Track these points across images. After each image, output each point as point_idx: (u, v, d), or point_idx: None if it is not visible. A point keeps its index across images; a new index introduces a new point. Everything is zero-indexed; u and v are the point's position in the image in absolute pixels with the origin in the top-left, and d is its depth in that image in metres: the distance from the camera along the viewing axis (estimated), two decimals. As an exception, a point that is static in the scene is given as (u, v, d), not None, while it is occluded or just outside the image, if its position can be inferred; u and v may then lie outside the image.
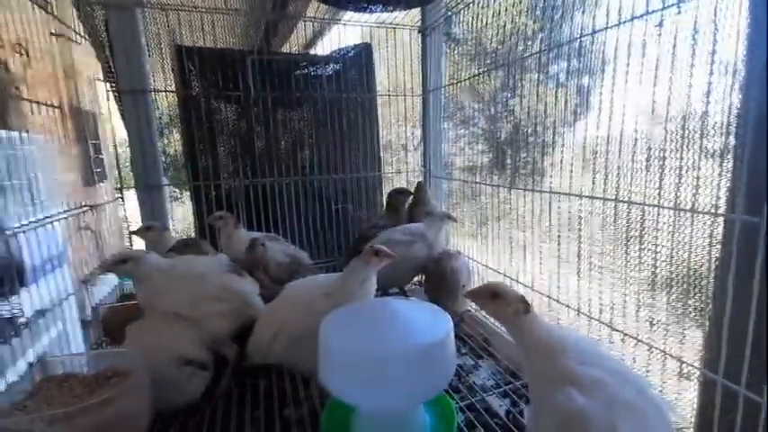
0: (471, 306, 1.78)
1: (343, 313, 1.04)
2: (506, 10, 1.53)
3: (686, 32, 0.83)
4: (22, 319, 1.25)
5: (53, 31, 1.22)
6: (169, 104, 1.86)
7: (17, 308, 1.29)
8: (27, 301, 1.26)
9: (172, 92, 1.78)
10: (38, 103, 1.17)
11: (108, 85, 1.58)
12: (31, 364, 1.01)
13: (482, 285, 0.90)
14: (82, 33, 1.47)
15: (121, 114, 1.64)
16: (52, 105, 1.23)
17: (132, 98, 1.63)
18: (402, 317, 0.99)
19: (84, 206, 1.34)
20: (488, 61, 1.65)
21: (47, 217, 1.19)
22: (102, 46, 1.55)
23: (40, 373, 0.97)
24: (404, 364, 0.89)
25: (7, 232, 1.15)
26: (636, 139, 1.02)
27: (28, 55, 1.14)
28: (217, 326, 1.27)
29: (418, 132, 2.26)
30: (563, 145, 1.33)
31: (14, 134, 1.26)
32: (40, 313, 1.29)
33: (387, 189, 2.23)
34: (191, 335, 1.18)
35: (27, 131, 1.28)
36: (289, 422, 1.16)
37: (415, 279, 1.98)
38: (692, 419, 1.03)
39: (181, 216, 2.02)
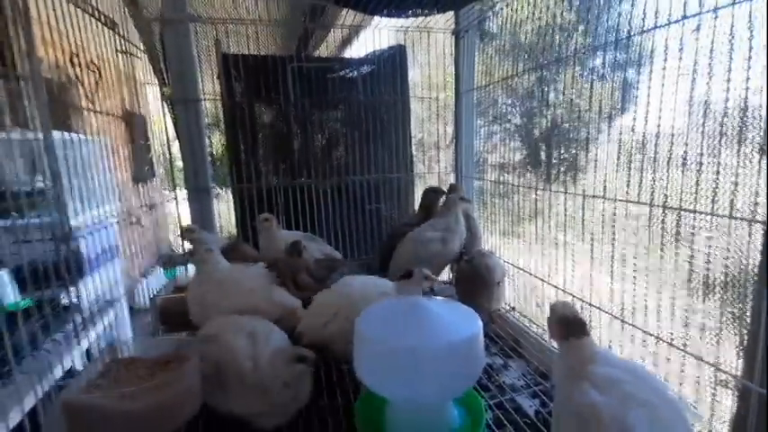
0: (503, 305, 1.80)
1: (378, 309, 1.10)
2: (542, 1, 1.50)
3: (723, 37, 0.82)
4: (83, 306, 1.40)
5: (119, 49, 1.35)
6: (213, 107, 1.99)
7: (77, 296, 1.44)
8: (85, 290, 1.41)
9: (220, 100, 1.90)
10: (106, 113, 1.30)
11: (162, 93, 1.72)
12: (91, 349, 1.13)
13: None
14: (141, 48, 1.61)
15: (174, 122, 1.78)
16: (116, 115, 1.36)
17: (184, 107, 1.76)
18: (433, 314, 1.03)
19: (142, 206, 1.47)
20: (525, 56, 1.63)
21: (110, 218, 1.32)
22: (157, 58, 1.68)
23: (108, 356, 1.10)
24: (434, 359, 0.94)
25: (78, 234, 1.29)
26: (672, 138, 1.01)
27: (100, 74, 1.27)
28: None
29: (450, 129, 2.28)
30: (596, 145, 1.32)
31: (77, 136, 1.40)
32: (96, 301, 1.44)
33: (419, 188, 2.27)
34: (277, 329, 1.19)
35: (90, 134, 1.42)
36: (324, 411, 1.23)
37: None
38: (728, 428, 1.01)
39: (224, 213, 2.14)
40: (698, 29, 0.87)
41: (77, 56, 1.15)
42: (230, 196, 2.02)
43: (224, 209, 2.11)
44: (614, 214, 1.23)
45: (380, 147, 2.16)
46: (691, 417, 0.70)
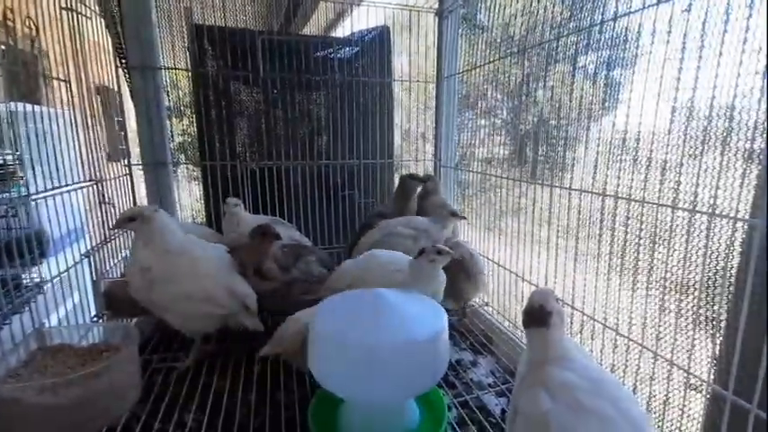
0: (475, 300, 1.75)
1: (336, 302, 1.03)
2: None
3: (716, 18, 0.75)
4: (45, 288, 1.28)
5: (63, 5, 1.22)
6: (189, 84, 1.86)
7: (39, 277, 1.33)
8: (49, 270, 1.28)
9: (181, 69, 1.78)
10: (45, 76, 1.17)
11: (118, 60, 1.58)
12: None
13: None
14: (96, 9, 1.47)
15: (130, 91, 1.65)
16: (61, 80, 1.23)
17: (141, 74, 1.63)
18: (395, 310, 0.97)
19: (90, 180, 1.35)
20: (515, 50, 1.57)
21: (55, 187, 1.20)
22: (113, 21, 1.55)
23: (35, 343, 0.99)
24: (393, 358, 0.87)
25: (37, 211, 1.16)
26: (653, 136, 0.95)
27: (38, 30, 1.14)
28: (202, 325, 1.27)
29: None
30: (582, 143, 1.26)
31: (42, 109, 1.28)
32: (60, 283, 1.31)
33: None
34: None
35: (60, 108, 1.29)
36: (279, 405, 1.16)
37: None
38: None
39: (198, 195, 2.01)
40: (689, 9, 0.81)
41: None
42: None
43: (196, 191, 1.99)
44: (590, 209, 1.17)
45: (360, 131, 2.06)
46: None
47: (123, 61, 1.60)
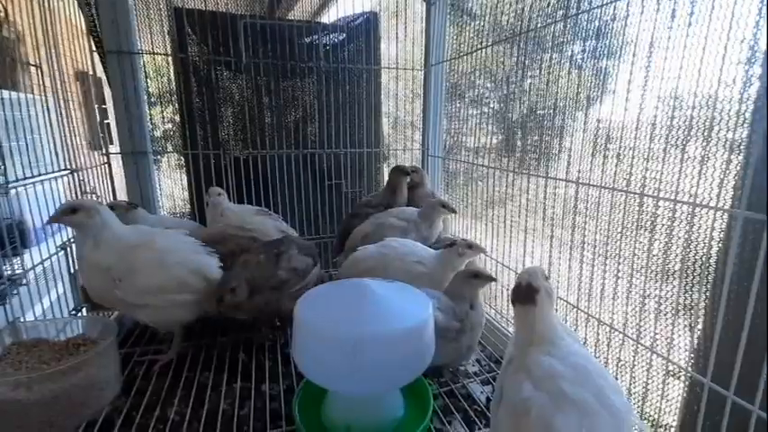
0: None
1: (320, 293, 1.02)
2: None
3: (701, 5, 0.75)
4: (23, 280, 1.23)
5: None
6: (169, 70, 1.80)
7: (19, 269, 1.28)
8: (29, 262, 1.24)
9: (160, 54, 1.72)
10: (14, 60, 1.12)
11: (93, 44, 1.52)
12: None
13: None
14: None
15: (107, 76, 1.59)
16: (32, 64, 1.18)
17: (117, 59, 1.57)
18: (381, 300, 0.96)
19: (65, 169, 1.30)
20: (503, 38, 1.55)
21: (28, 177, 1.14)
22: (87, 2, 1.48)
23: (9, 337, 0.96)
24: (379, 349, 0.87)
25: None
26: (637, 121, 0.95)
27: (7, 13, 1.08)
28: (179, 316, 1.22)
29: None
30: (570, 133, 1.26)
31: (18, 95, 1.22)
32: (41, 275, 1.27)
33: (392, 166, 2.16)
34: None
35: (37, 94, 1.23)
36: (264, 396, 1.15)
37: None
38: (675, 419, 0.99)
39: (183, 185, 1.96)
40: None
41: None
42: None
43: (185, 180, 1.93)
44: (575, 198, 1.17)
45: (347, 119, 2.03)
46: (635, 426, 0.65)
47: (98, 45, 1.53)
